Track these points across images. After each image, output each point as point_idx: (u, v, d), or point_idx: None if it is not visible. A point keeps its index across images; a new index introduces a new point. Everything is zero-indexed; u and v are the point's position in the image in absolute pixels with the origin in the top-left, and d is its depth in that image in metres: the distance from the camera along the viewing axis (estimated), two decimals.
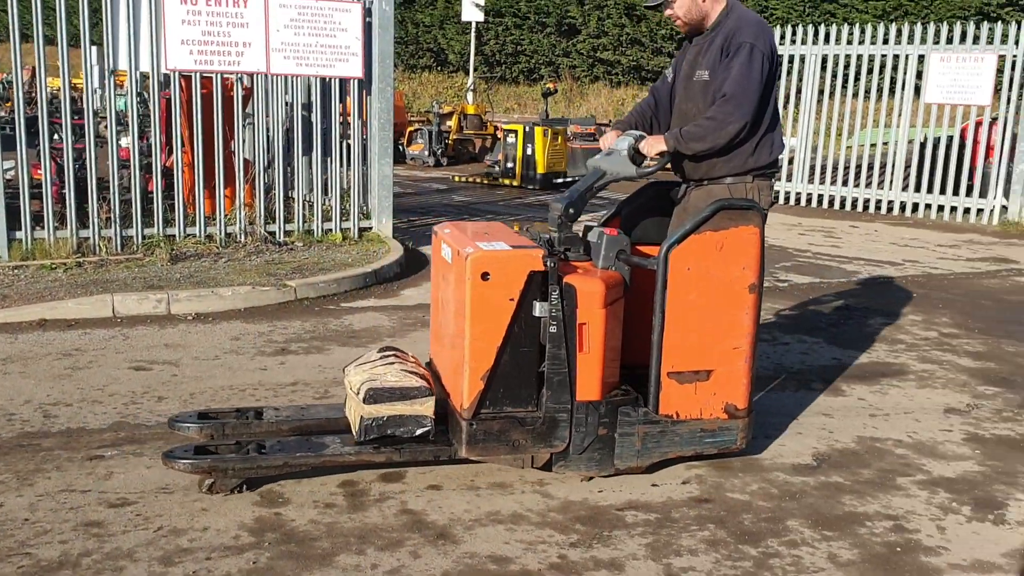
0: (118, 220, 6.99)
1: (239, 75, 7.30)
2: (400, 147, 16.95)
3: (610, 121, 19.88)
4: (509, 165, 13.72)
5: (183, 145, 7.34)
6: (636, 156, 3.64)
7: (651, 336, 3.44)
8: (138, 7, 6.85)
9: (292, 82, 7.77)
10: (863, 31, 12.03)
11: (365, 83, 7.79)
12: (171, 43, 6.90)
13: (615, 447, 3.44)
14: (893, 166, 11.88)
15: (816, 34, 12.28)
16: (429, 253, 7.92)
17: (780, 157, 3.80)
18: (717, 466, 3.68)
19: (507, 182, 13.69)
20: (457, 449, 3.36)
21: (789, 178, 12.70)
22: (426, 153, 16.51)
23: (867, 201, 12.06)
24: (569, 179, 14.44)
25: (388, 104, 7.87)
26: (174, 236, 7.22)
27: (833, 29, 12.17)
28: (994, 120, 11.22)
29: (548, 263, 3.24)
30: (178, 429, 3.59)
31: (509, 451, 3.35)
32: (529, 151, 13.45)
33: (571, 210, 3.51)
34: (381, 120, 7.85)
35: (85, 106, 7.03)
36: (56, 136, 7.70)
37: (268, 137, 8.01)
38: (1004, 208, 11.24)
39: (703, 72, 3.64)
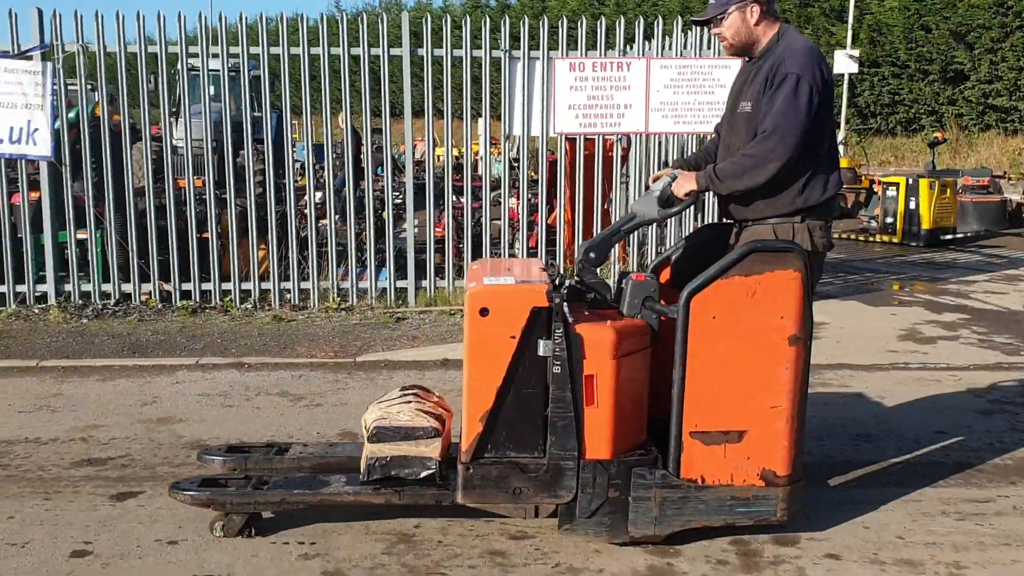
0: None
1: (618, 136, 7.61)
2: None
3: (1005, 172, 17.85)
4: (888, 220, 12.79)
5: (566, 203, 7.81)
6: (669, 198, 3.39)
7: (671, 391, 3.09)
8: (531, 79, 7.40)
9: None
10: None
11: None
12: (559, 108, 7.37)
13: (628, 512, 3.11)
14: None
15: None
16: None
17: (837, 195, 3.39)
18: None
19: (886, 239, 12.76)
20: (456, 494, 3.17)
21: None
22: None
23: None
24: (959, 235, 13.17)
25: None
26: None
27: None
28: None
29: (552, 299, 2.97)
30: (204, 462, 3.69)
31: (509, 499, 3.13)
32: (912, 205, 12.44)
33: (592, 254, 3.31)
34: None
35: (465, 172, 7.62)
36: (456, 197, 8.56)
37: None
38: None
39: (746, 104, 3.32)
